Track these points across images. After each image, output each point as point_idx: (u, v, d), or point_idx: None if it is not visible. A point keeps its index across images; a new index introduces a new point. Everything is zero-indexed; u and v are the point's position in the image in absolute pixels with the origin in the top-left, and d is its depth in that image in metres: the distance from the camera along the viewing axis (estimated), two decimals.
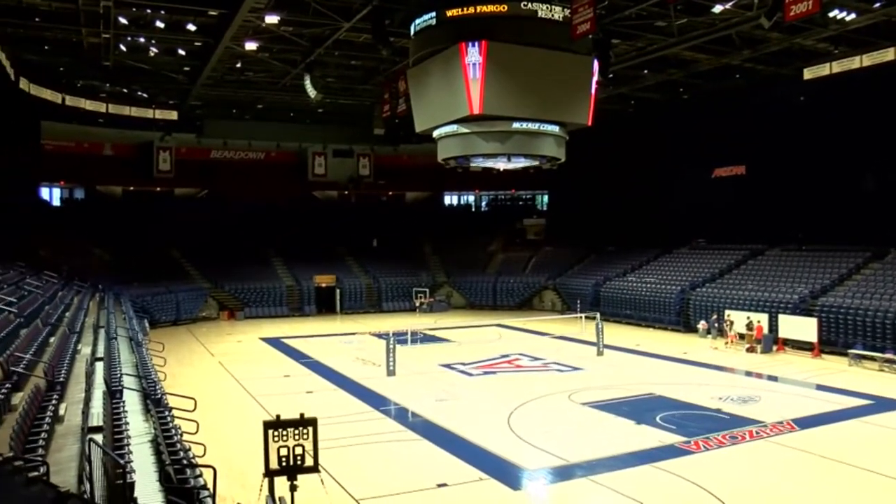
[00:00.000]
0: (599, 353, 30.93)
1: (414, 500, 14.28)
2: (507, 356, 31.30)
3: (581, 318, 39.10)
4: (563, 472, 15.85)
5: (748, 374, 27.47)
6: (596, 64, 30.90)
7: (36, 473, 6.97)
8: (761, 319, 32.38)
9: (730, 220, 43.63)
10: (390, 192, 64.06)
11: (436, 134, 32.18)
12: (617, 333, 36.66)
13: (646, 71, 39.61)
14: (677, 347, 33.16)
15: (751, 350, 31.52)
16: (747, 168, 44.21)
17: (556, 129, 31.11)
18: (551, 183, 59.06)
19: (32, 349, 16.63)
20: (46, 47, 36.54)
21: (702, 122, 45.11)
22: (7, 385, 12.56)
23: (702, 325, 36.23)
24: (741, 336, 32.68)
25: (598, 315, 33.82)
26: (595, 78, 31.25)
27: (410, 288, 51.46)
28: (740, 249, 42.01)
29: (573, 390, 23.98)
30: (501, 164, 33.60)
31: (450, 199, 66.82)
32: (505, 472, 15.83)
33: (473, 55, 28.03)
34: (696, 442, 17.67)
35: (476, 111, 28.34)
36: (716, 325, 35.13)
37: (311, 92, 38.94)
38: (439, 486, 15.01)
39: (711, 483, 14.59)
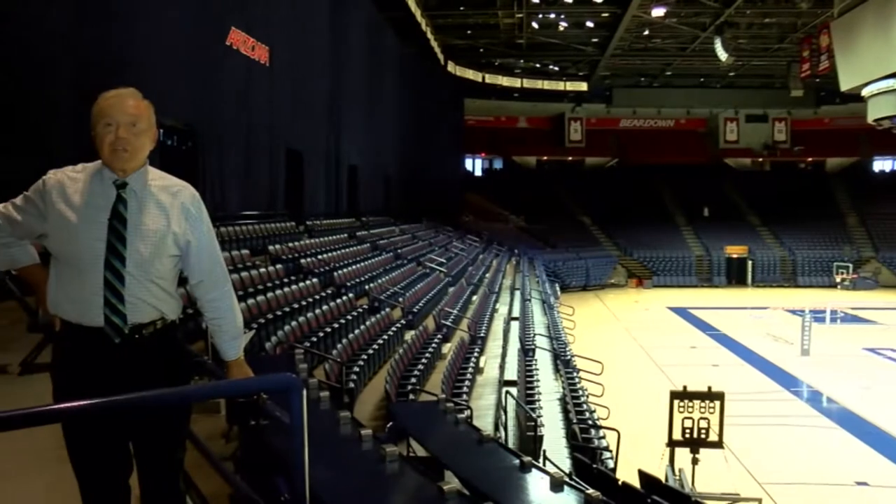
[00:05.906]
0: None
1: (827, 496, 13.18)
2: None
3: None
4: None
5: None
6: None
7: (462, 415, 7.82)
8: None
9: None
10: (809, 159, 58.91)
11: (865, 92, 28.85)
12: None
13: None
14: None
15: None
16: None
17: None
18: None
19: (458, 306, 18.58)
20: (468, 32, 40.23)
21: None
22: (438, 336, 14.24)
23: None
24: None
25: None
26: None
27: (830, 262, 47.42)
28: None
29: None
30: None
31: (881, 165, 59.38)
32: None
33: None
34: None
35: None
36: None
37: (722, 55, 37.33)
38: (858, 483, 13.73)
39: None
